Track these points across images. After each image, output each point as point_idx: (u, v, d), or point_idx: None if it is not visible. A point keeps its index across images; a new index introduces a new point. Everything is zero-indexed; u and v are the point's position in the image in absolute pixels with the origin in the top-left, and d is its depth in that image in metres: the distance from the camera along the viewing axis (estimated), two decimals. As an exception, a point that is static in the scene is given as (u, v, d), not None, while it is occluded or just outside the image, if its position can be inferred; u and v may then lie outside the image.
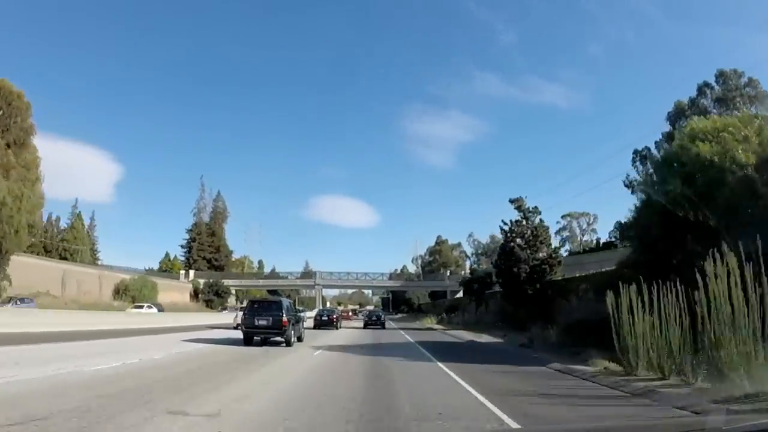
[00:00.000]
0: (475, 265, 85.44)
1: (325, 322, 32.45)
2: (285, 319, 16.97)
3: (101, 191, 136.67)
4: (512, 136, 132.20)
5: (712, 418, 2.24)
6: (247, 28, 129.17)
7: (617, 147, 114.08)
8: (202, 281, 67.76)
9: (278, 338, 17.40)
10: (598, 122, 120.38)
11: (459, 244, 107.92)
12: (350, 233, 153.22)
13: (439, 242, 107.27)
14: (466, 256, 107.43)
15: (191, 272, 72.95)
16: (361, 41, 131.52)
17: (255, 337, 17.48)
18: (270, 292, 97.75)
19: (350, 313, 66.09)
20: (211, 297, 64.48)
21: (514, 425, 6.01)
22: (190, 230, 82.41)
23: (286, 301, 19.49)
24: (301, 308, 38.84)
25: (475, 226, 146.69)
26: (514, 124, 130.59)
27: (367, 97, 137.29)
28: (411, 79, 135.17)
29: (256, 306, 18.10)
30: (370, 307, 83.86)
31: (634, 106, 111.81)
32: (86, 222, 71.64)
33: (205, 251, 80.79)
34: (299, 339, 19.41)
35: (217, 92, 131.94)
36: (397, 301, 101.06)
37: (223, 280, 68.57)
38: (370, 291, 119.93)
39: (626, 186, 36.99)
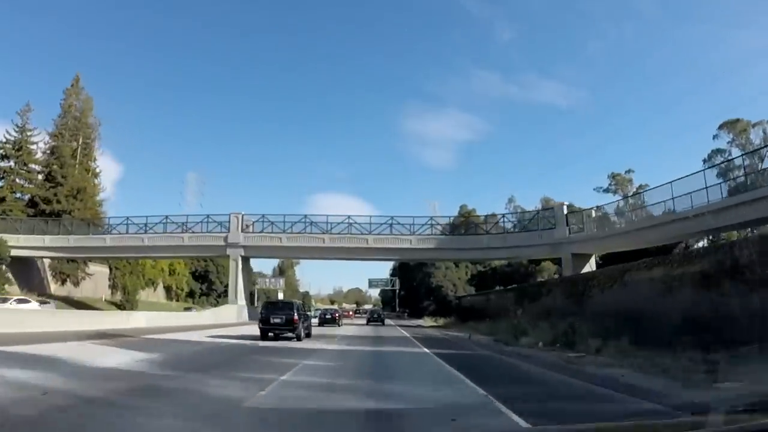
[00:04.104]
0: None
1: (328, 320, 37.69)
2: (296, 317, 19.40)
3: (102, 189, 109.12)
4: (510, 133, 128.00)
5: (712, 418, 2.20)
6: (247, 26, 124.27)
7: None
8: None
9: (290, 334, 19.47)
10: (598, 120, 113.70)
11: (493, 215, 74.79)
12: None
13: (464, 213, 72.61)
14: (504, 230, 73.11)
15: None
16: (360, 39, 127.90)
17: (269, 333, 19.42)
18: (193, 275, 60.11)
19: (350, 313, 66.24)
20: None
21: (524, 424, 5.75)
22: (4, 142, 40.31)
23: (297, 302, 22.35)
24: (317, 308, 54.93)
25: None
26: (512, 122, 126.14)
27: (365, 95, 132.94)
28: (409, 76, 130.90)
29: (271, 306, 20.72)
30: (368, 306, 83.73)
31: (634, 105, 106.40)
32: None
33: (36, 188, 39.01)
34: (308, 335, 21.34)
35: (216, 92, 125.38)
36: (412, 295, 60.52)
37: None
38: (365, 285, 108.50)
39: None
